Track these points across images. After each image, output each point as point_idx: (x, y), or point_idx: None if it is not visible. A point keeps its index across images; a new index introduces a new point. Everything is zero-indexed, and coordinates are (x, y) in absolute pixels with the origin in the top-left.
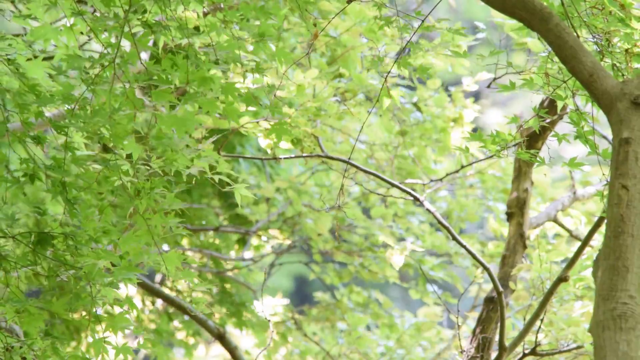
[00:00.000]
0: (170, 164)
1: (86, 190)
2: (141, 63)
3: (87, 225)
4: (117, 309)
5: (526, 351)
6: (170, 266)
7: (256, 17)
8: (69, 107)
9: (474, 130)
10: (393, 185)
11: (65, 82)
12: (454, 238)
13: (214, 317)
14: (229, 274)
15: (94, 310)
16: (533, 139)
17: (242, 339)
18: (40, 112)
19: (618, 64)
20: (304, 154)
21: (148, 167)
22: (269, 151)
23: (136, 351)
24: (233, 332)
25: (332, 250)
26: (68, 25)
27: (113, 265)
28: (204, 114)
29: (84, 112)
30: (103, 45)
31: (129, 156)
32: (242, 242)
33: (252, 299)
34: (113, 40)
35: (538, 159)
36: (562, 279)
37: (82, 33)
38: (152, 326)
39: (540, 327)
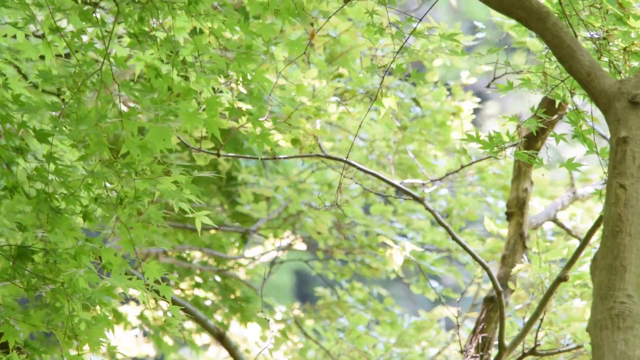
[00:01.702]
0: (133, 193)
1: (69, 199)
2: (115, 82)
3: (70, 236)
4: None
5: (526, 351)
6: (150, 277)
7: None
8: (54, 115)
9: (473, 122)
10: (392, 185)
11: (48, 99)
12: (454, 238)
13: (217, 314)
14: (230, 271)
15: (70, 325)
16: (532, 139)
17: (247, 332)
18: (23, 123)
19: (615, 62)
20: (304, 154)
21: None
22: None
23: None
24: (237, 327)
25: (332, 249)
26: (47, 41)
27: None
28: (186, 127)
29: (70, 119)
30: (78, 61)
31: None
32: (243, 239)
33: (255, 295)
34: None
35: (537, 160)
36: (561, 278)
37: (59, 55)
38: (158, 323)
39: (540, 326)
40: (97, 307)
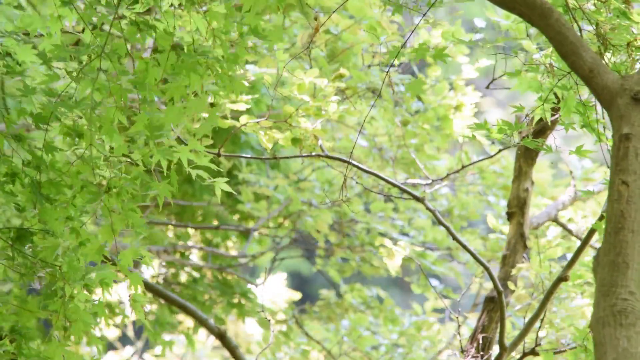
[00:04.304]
0: (149, 157)
1: (58, 186)
2: (129, 54)
3: (61, 225)
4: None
5: (526, 350)
6: (124, 263)
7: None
8: (53, 99)
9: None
10: (393, 185)
11: (53, 73)
12: (455, 238)
13: (215, 308)
14: (230, 269)
15: (63, 312)
16: (534, 138)
17: (245, 329)
18: (23, 109)
19: (618, 60)
20: (304, 154)
21: (128, 160)
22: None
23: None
24: (236, 324)
25: (333, 248)
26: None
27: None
28: (189, 114)
29: (66, 102)
30: (92, 34)
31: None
32: (244, 237)
33: (253, 290)
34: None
35: (545, 147)
36: (562, 278)
37: (72, 26)
38: (152, 317)
39: (540, 326)
40: (95, 290)
